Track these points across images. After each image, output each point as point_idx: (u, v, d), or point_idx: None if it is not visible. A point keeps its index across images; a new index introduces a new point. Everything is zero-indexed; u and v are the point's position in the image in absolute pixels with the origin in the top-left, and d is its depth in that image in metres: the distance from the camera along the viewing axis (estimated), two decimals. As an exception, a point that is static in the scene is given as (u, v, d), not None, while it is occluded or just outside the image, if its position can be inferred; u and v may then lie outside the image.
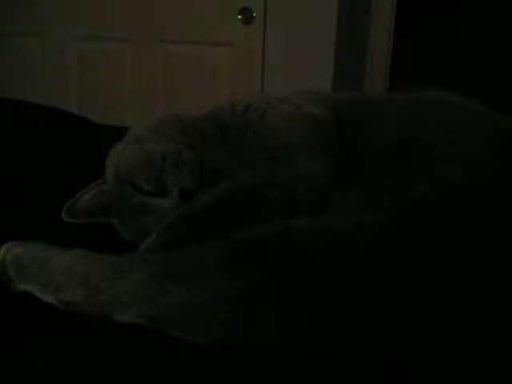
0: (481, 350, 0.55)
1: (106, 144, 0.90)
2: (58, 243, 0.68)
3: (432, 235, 0.60)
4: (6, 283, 0.66)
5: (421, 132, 0.78)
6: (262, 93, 1.93)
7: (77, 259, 0.65)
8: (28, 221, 0.83)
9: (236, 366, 0.57)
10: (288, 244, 0.61)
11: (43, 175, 1.00)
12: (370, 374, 0.56)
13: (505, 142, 0.73)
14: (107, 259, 0.65)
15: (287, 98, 0.91)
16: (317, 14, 1.95)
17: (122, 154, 0.86)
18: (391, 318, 0.57)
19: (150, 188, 0.80)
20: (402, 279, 0.57)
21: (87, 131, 1.27)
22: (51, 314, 0.63)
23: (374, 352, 0.56)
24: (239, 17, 2.03)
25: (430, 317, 0.56)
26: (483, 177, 0.67)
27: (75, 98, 2.20)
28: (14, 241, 0.68)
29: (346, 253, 0.60)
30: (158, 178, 0.80)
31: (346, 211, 0.71)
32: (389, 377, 0.55)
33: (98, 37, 2.15)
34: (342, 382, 0.56)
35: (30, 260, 0.65)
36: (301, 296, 0.59)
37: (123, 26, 2.12)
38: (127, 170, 0.83)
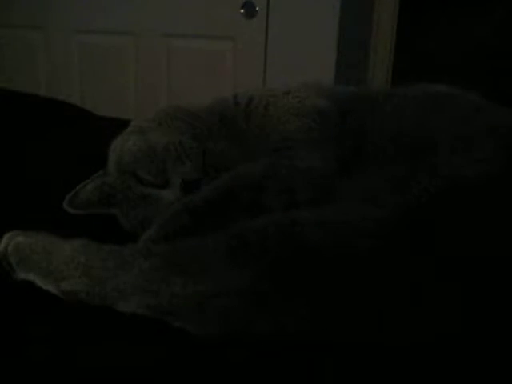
0: (482, 350, 0.55)
1: (108, 135, 0.90)
2: (60, 234, 0.68)
3: (440, 232, 0.60)
4: (7, 272, 0.66)
5: (423, 125, 0.78)
6: (265, 86, 1.92)
7: (79, 249, 0.65)
8: (30, 211, 0.83)
9: (237, 357, 0.57)
10: (290, 235, 0.61)
11: (45, 166, 1.00)
12: (370, 367, 0.56)
13: (508, 135, 0.73)
14: (109, 249, 0.65)
15: (291, 91, 0.91)
16: (319, 9, 1.94)
17: (124, 144, 0.85)
18: (391, 314, 0.57)
19: (153, 179, 0.80)
20: (406, 275, 0.57)
21: (89, 123, 1.27)
22: (52, 303, 0.63)
23: (374, 345, 0.56)
24: (241, 11, 2.03)
25: (430, 315, 0.56)
26: (488, 172, 0.67)
27: (77, 91, 2.19)
28: (16, 230, 0.68)
29: (349, 245, 0.60)
30: (160, 169, 0.80)
31: (348, 204, 0.71)
32: (388, 370, 0.55)
33: (100, 30, 2.14)
34: (342, 374, 0.56)
35: (32, 249, 0.65)
36: (303, 287, 0.59)
37: (125, 19, 2.11)
38: (129, 161, 0.83)
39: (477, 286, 0.57)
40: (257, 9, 2.01)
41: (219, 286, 0.59)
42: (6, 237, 0.68)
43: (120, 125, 0.94)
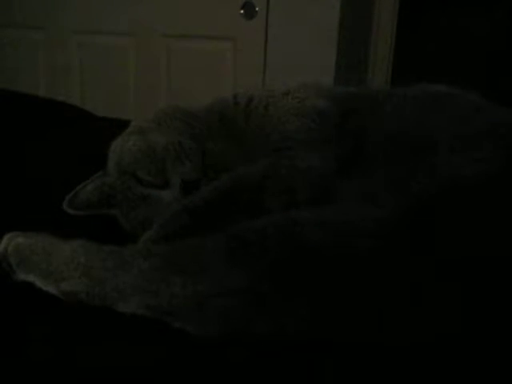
0: (481, 350, 0.55)
1: (108, 136, 0.90)
2: (59, 234, 0.68)
3: (440, 232, 0.60)
4: (7, 273, 0.66)
5: (423, 125, 0.78)
6: (265, 87, 1.92)
7: (79, 249, 0.65)
8: (30, 211, 0.83)
9: (237, 357, 0.57)
10: (290, 235, 0.61)
11: (45, 167, 1.00)
12: (369, 368, 0.56)
13: (507, 135, 0.73)
14: (109, 250, 0.65)
15: (290, 91, 0.91)
16: (319, 9, 1.94)
17: (124, 145, 0.85)
18: (391, 314, 0.57)
19: (152, 179, 0.80)
20: (406, 276, 0.57)
21: (88, 123, 1.27)
22: (52, 304, 0.63)
23: (374, 345, 0.56)
24: (241, 11, 2.03)
25: (430, 315, 0.56)
26: (487, 171, 0.67)
27: (77, 91, 2.20)
28: (16, 231, 0.68)
29: (349, 245, 0.60)
30: (159, 169, 0.80)
31: (348, 204, 0.71)
32: (387, 370, 0.55)
33: (100, 30, 2.15)
34: (341, 374, 0.56)
35: (31, 250, 0.65)
36: (303, 288, 0.59)
37: (125, 19, 2.11)
38: (129, 161, 0.83)
39: (477, 285, 0.57)
40: (256, 9, 2.02)
41: (219, 286, 0.59)
42: (5, 238, 0.68)
43: (120, 125, 0.94)
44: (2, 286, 0.65)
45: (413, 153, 0.73)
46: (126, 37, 2.14)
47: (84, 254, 0.64)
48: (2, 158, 1.02)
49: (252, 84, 1.98)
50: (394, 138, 0.77)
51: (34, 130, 1.15)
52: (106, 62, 2.18)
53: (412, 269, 0.58)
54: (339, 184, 0.76)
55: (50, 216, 0.82)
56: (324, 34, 1.97)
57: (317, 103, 0.88)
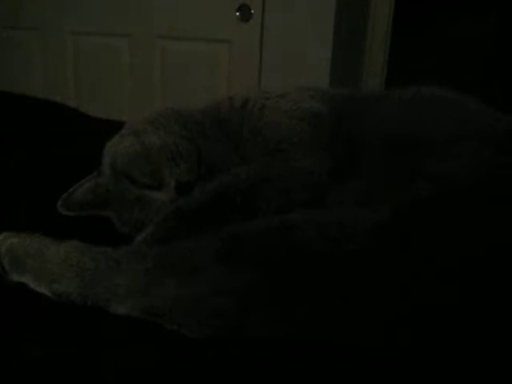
0: (480, 349, 0.55)
1: (103, 137, 0.89)
2: (53, 235, 0.68)
3: (431, 233, 0.60)
4: (0, 274, 0.65)
5: (417, 128, 0.78)
6: (260, 89, 1.92)
7: (72, 251, 0.64)
8: (24, 212, 0.83)
9: (231, 359, 0.57)
10: (283, 238, 0.61)
11: (40, 167, 0.99)
12: (367, 371, 0.56)
13: (501, 138, 0.73)
14: (103, 251, 0.65)
15: (286, 94, 0.91)
16: (315, 12, 1.95)
17: (118, 146, 0.85)
18: (388, 315, 0.57)
19: (147, 181, 0.80)
20: (400, 276, 0.57)
21: (84, 124, 1.27)
22: (49, 305, 0.62)
23: (370, 348, 0.56)
24: (237, 14, 2.03)
25: (428, 315, 0.56)
26: (482, 174, 0.67)
27: (73, 93, 2.19)
28: (9, 231, 0.68)
29: (342, 247, 0.60)
30: (154, 170, 0.80)
31: (343, 207, 0.71)
32: (387, 374, 0.55)
33: (96, 32, 2.14)
34: (338, 377, 0.56)
35: (24, 251, 0.65)
36: (296, 289, 0.59)
37: (121, 21, 2.11)
38: (124, 162, 0.82)
39: (476, 286, 0.57)
40: (252, 12, 2.02)
41: (213, 287, 0.59)
42: (-1, 238, 0.67)
43: (114, 126, 0.93)
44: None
45: (406, 156, 0.74)
46: (122, 38, 2.14)
47: (77, 255, 0.64)
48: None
49: (247, 86, 1.98)
50: (387, 140, 0.78)
51: (29, 131, 1.14)
52: (102, 63, 2.18)
53: (404, 270, 0.58)
54: (333, 186, 0.76)
55: (44, 217, 0.82)
56: (319, 36, 1.97)
57: (312, 106, 0.88)
